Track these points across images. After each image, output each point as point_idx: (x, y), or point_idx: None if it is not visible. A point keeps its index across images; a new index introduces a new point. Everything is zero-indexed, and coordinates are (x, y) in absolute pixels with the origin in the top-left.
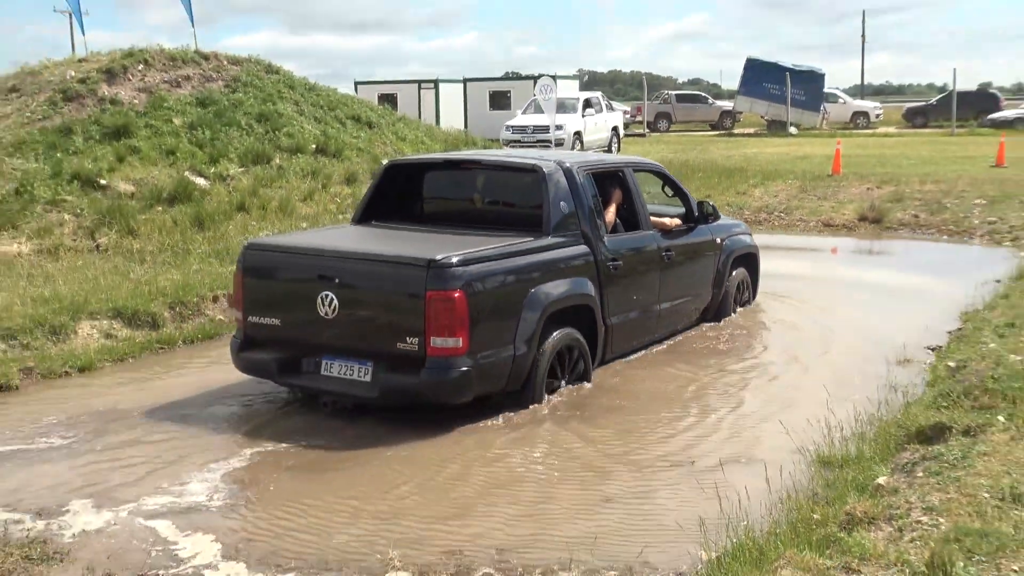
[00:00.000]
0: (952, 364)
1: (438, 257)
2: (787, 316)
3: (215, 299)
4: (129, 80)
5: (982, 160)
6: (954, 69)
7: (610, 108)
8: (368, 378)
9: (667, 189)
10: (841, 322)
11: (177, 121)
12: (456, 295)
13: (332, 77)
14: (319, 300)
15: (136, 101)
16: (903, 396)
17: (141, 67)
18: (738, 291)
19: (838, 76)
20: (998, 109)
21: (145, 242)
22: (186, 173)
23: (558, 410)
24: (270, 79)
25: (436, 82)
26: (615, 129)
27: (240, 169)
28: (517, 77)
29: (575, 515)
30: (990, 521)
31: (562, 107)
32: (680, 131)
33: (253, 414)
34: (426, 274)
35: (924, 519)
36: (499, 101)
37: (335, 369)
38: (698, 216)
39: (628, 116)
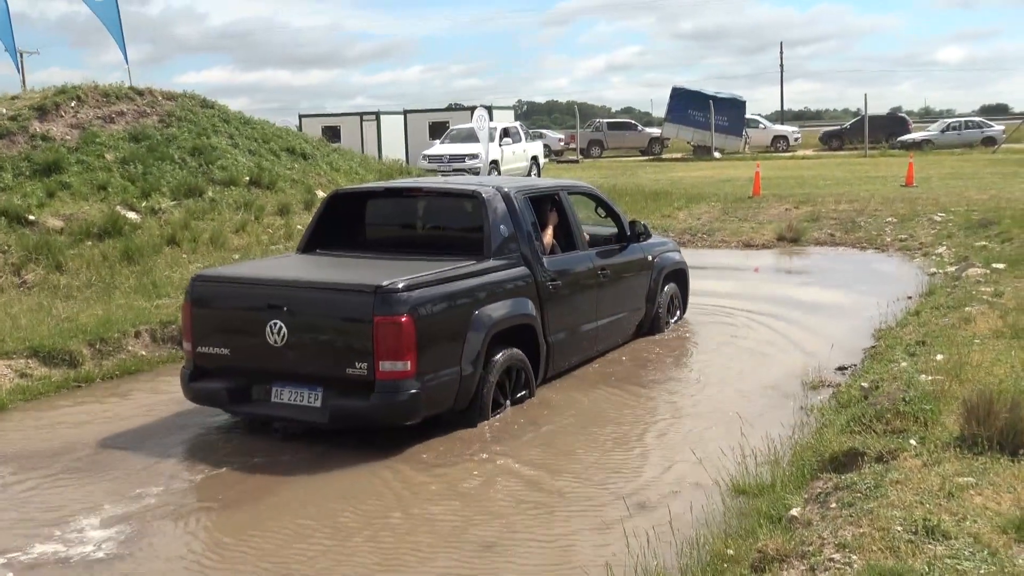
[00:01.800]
0: (865, 384)
1: (384, 283)
2: (709, 334)
3: (137, 335)
4: (61, 116)
5: (893, 180)
6: (865, 95)
7: (530, 138)
8: (318, 403)
9: (600, 210)
10: (759, 341)
11: (109, 156)
12: (403, 319)
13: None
14: (268, 328)
15: (68, 137)
16: (817, 419)
17: (74, 104)
18: (670, 306)
19: (760, 103)
20: (907, 131)
21: (72, 278)
22: (117, 207)
23: (497, 434)
24: (205, 113)
25: (378, 114)
26: (535, 159)
27: (172, 203)
28: (457, 108)
29: (478, 552)
30: (903, 558)
31: (478, 136)
32: (612, 157)
33: (172, 450)
34: (373, 300)
35: (837, 556)
36: (439, 131)
37: (285, 395)
38: (630, 235)
39: (562, 143)
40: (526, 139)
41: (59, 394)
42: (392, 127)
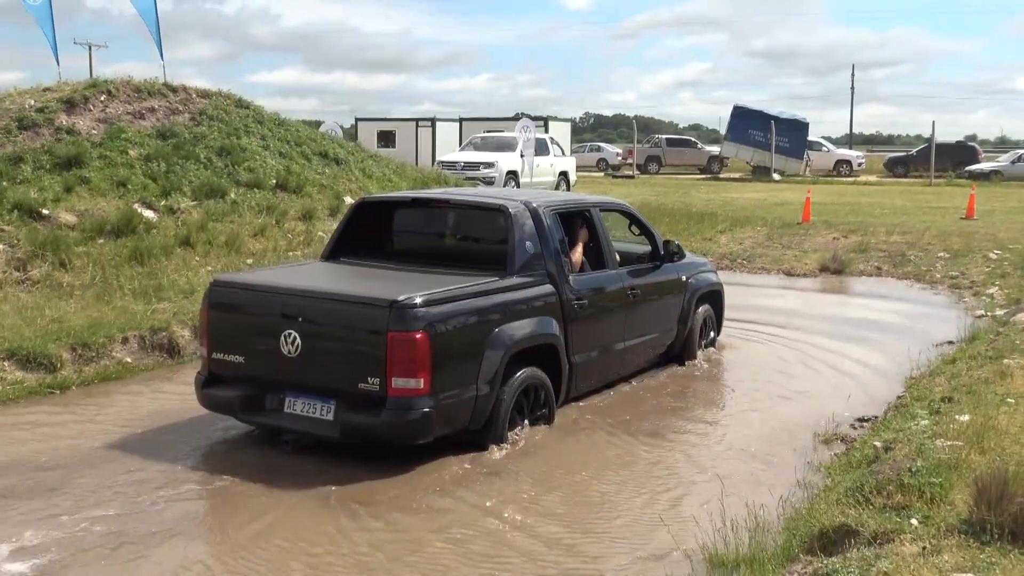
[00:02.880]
0: (878, 444)
1: (400, 298)
2: (736, 364)
3: (124, 340)
4: (89, 111)
5: (954, 212)
6: (933, 121)
7: (561, 153)
8: (330, 416)
9: (634, 228)
10: (784, 377)
11: (133, 152)
12: (418, 336)
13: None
14: (282, 338)
15: (94, 132)
16: (823, 478)
17: (104, 98)
18: (703, 328)
19: (830, 125)
20: (976, 161)
21: (77, 276)
22: (134, 205)
23: (508, 461)
24: (239, 113)
25: (433, 120)
26: (564, 174)
27: (192, 203)
28: (514, 118)
29: None
30: None
31: (499, 145)
32: (669, 174)
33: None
34: (388, 314)
35: None
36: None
37: (298, 407)
38: (664, 254)
39: (619, 158)
40: (554, 153)
41: (28, 400)
42: (447, 134)
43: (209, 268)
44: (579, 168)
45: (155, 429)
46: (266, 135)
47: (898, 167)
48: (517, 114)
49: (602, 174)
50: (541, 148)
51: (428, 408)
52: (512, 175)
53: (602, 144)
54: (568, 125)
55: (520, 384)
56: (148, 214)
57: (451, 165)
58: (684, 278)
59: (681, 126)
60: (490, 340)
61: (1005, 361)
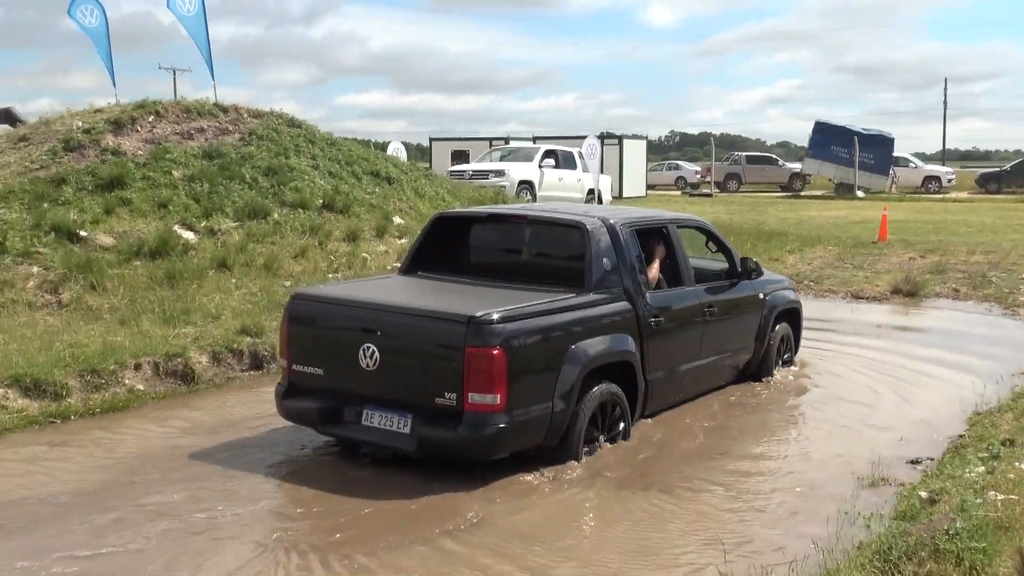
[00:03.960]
0: (924, 494)
1: (478, 313)
2: (807, 393)
3: (137, 367)
4: (137, 131)
5: None
6: None
7: (588, 169)
8: (407, 430)
9: (711, 245)
10: (851, 408)
11: (176, 173)
12: (495, 352)
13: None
14: (361, 352)
15: (140, 152)
16: (859, 530)
17: (152, 118)
18: (781, 346)
19: (925, 142)
20: None
21: (107, 299)
22: (174, 227)
23: (577, 483)
24: (289, 133)
25: (507, 140)
26: (593, 192)
27: (234, 223)
28: (582, 136)
29: None
30: None
31: (518, 157)
32: (748, 192)
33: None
34: (466, 330)
35: None
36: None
37: (375, 420)
38: (741, 271)
39: (698, 176)
40: (581, 168)
41: (27, 431)
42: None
43: (243, 291)
44: (657, 187)
45: (145, 462)
46: (317, 154)
47: (991, 183)
48: (603, 133)
49: (679, 193)
50: (567, 161)
51: (504, 424)
52: (526, 185)
53: (680, 162)
54: (643, 143)
55: (596, 400)
56: (188, 235)
57: (459, 174)
58: (762, 295)
59: (769, 144)
60: (566, 356)
61: None
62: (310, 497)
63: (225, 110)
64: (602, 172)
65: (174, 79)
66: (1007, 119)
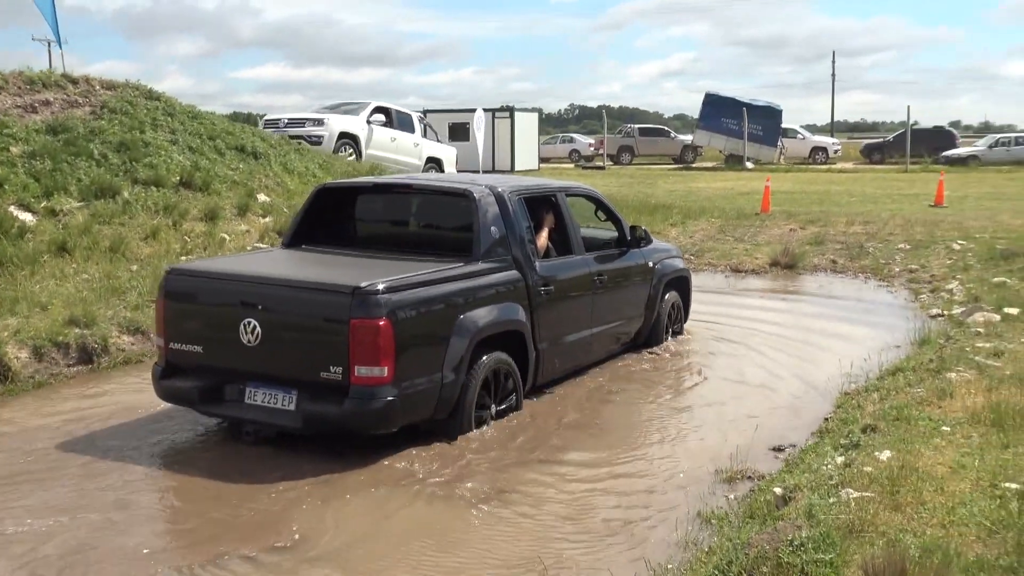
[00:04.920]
0: (779, 491)
1: (363, 284)
2: (684, 361)
3: None
4: None
5: (924, 199)
6: (908, 106)
7: (436, 138)
8: (292, 407)
9: (600, 213)
10: (718, 389)
11: (15, 150)
12: (381, 323)
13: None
14: (242, 327)
15: None
16: (710, 535)
17: None
18: (670, 315)
19: (816, 114)
20: (953, 146)
21: None
22: (10, 207)
23: (470, 454)
24: (147, 106)
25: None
26: (434, 161)
27: (79, 204)
28: (471, 110)
29: None
30: None
31: (346, 111)
32: (642, 164)
33: None
34: (350, 301)
35: None
36: (458, 133)
37: (259, 397)
38: (630, 240)
39: (592, 149)
40: (421, 133)
41: None
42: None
43: (83, 277)
44: (552, 160)
45: None
46: (176, 128)
47: (874, 154)
48: (503, 105)
49: (572, 165)
50: (403, 123)
51: (392, 397)
52: (348, 140)
53: (574, 135)
54: (535, 116)
55: (486, 371)
56: (25, 217)
57: (274, 123)
58: (651, 264)
59: (666, 116)
60: (455, 327)
61: (949, 375)
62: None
63: (75, 81)
64: (494, 145)
65: (49, 52)
66: (893, 91)
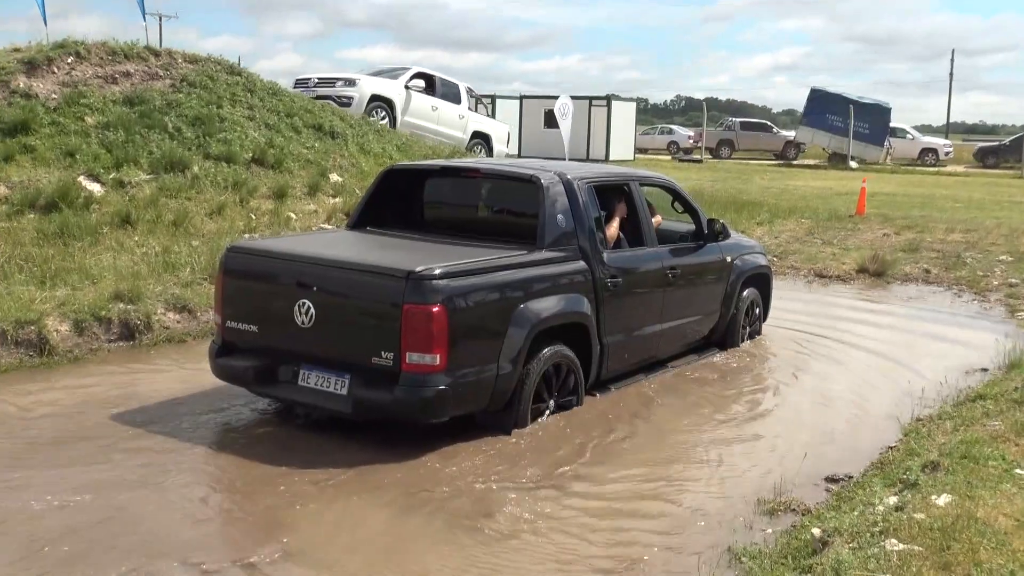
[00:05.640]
0: (817, 533)
1: (418, 268)
2: (762, 375)
3: None
4: (53, 73)
5: None
6: None
7: (485, 112)
8: (344, 391)
9: (677, 205)
10: (787, 405)
11: (90, 120)
12: (435, 309)
13: None
14: (296, 308)
15: (54, 96)
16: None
17: (71, 59)
18: (748, 313)
19: (931, 114)
20: None
21: None
22: (80, 177)
23: (526, 453)
24: (227, 80)
25: (493, 97)
26: (481, 136)
27: (148, 176)
28: (577, 98)
29: None
30: None
31: (380, 73)
32: (741, 159)
33: None
34: (404, 286)
35: None
36: (553, 120)
37: (312, 380)
38: (708, 233)
39: (691, 141)
40: (468, 106)
41: None
42: (507, 112)
43: (144, 250)
44: (649, 151)
45: None
46: (255, 104)
47: (989, 157)
48: (609, 95)
49: (670, 158)
50: (448, 92)
51: (444, 386)
52: (382, 104)
53: (674, 127)
54: (632, 105)
55: (544, 364)
56: (93, 187)
57: (304, 82)
58: (729, 259)
59: (775, 111)
60: (514, 317)
61: None
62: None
63: (157, 54)
64: (589, 134)
65: (160, 26)
66: (1014, 93)
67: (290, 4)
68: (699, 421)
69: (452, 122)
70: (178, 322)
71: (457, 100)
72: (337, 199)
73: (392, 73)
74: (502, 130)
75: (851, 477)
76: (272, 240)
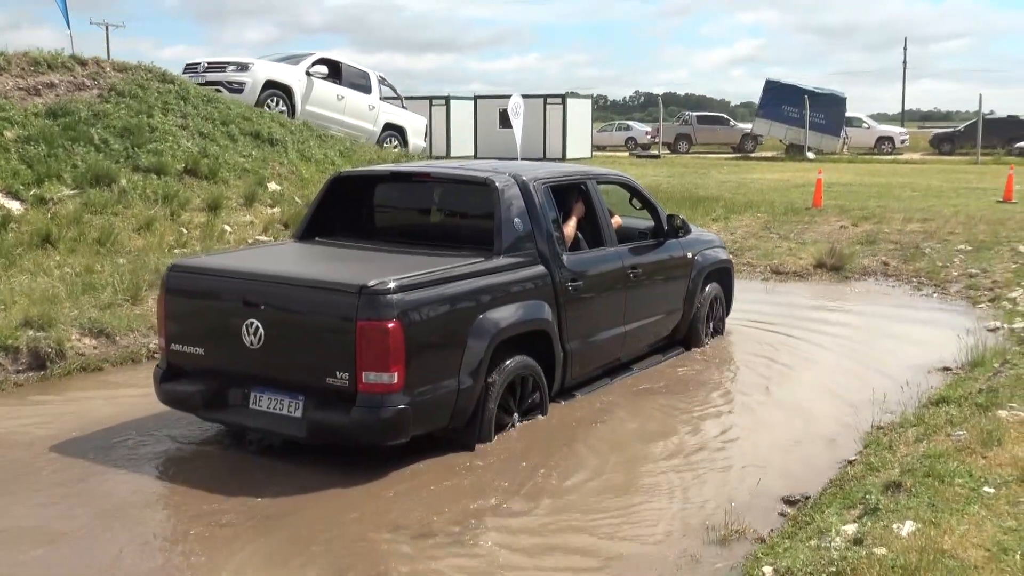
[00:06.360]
0: (768, 571)
1: (371, 283)
2: (721, 379)
3: None
4: None
5: (993, 192)
6: (980, 94)
7: (398, 103)
8: (298, 413)
9: (635, 201)
10: (746, 414)
11: (9, 134)
12: (391, 325)
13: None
14: (244, 328)
15: None
16: None
17: None
18: (711, 308)
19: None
20: None
21: None
22: None
23: (489, 467)
24: (159, 89)
25: (447, 99)
26: (394, 129)
27: (71, 192)
28: (532, 96)
29: None
30: None
31: (279, 59)
32: (699, 153)
33: None
34: (357, 301)
35: None
36: (508, 120)
37: (264, 403)
38: (668, 230)
39: (648, 137)
40: (379, 95)
41: None
42: (462, 113)
43: (67, 270)
44: (607, 148)
45: None
46: (188, 113)
47: (944, 144)
48: (568, 92)
49: (627, 154)
50: (356, 82)
51: (403, 405)
52: (278, 92)
53: (631, 123)
54: (589, 102)
55: (507, 376)
56: (12, 205)
57: (193, 67)
58: (690, 255)
59: (733, 104)
60: (473, 327)
61: (1000, 413)
62: None
63: (84, 63)
64: (545, 132)
65: (107, 35)
66: (967, 80)
67: (247, 11)
68: (655, 435)
69: (360, 113)
70: (95, 348)
71: (367, 90)
72: (275, 209)
73: (294, 59)
74: (419, 122)
75: (808, 497)
76: (216, 256)
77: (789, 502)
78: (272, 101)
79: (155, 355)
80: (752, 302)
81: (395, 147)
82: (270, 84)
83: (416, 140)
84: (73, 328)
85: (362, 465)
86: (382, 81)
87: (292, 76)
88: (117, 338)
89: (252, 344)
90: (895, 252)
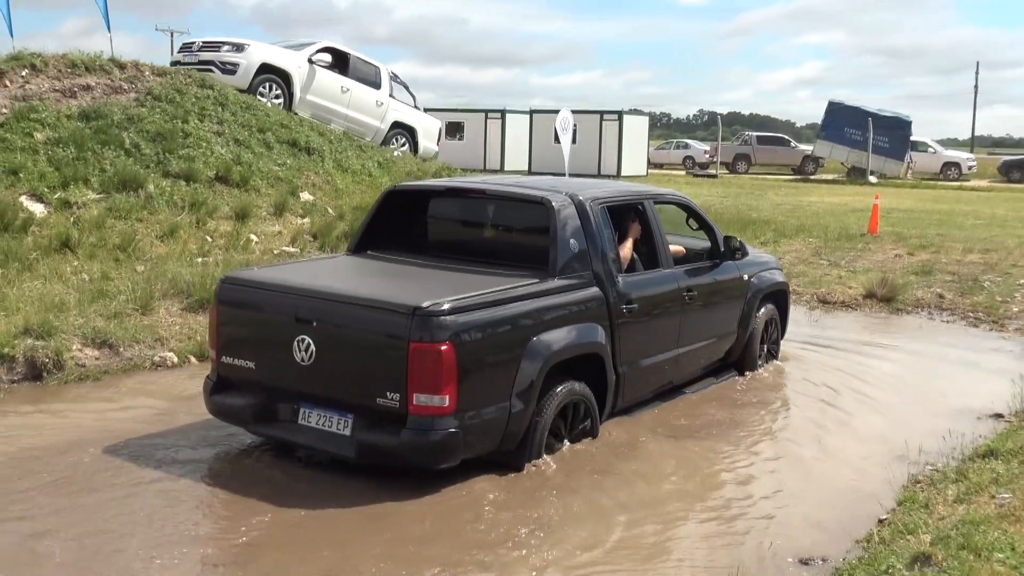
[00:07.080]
0: None
1: (425, 304)
2: (771, 414)
3: None
4: (5, 86)
5: None
6: None
7: (414, 104)
8: (347, 431)
9: (692, 222)
10: (787, 458)
11: (39, 136)
12: (443, 348)
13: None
14: (295, 344)
15: (4, 110)
16: None
17: (26, 72)
18: (766, 331)
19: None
20: None
21: None
22: (21, 197)
23: (537, 491)
24: (197, 94)
25: (503, 112)
26: (404, 128)
27: (97, 196)
28: (588, 112)
29: None
30: None
31: (288, 45)
32: (758, 173)
33: None
34: (410, 323)
35: None
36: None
37: (313, 419)
38: (724, 251)
39: (707, 156)
40: (391, 92)
41: None
42: (517, 127)
43: (84, 277)
44: (664, 166)
45: None
46: (225, 119)
47: (1013, 171)
48: (631, 109)
49: (684, 173)
50: (365, 75)
51: (453, 428)
52: (274, 77)
53: (690, 141)
54: (646, 119)
55: (559, 401)
56: (36, 208)
57: (188, 47)
58: (745, 277)
59: (799, 125)
60: (526, 350)
61: None
62: None
63: (122, 66)
64: (600, 149)
65: (171, 42)
66: None
67: (314, 22)
68: (686, 476)
69: (366, 108)
70: (96, 359)
71: (376, 85)
72: (305, 219)
73: (298, 46)
74: (432, 125)
75: (826, 560)
76: (269, 269)
77: (805, 563)
78: (266, 87)
79: (158, 367)
80: (796, 330)
81: (403, 146)
82: (266, 68)
83: (427, 143)
84: (75, 338)
85: (398, 481)
86: (394, 78)
87: (291, 62)
88: (121, 349)
89: (303, 360)
90: (952, 284)
